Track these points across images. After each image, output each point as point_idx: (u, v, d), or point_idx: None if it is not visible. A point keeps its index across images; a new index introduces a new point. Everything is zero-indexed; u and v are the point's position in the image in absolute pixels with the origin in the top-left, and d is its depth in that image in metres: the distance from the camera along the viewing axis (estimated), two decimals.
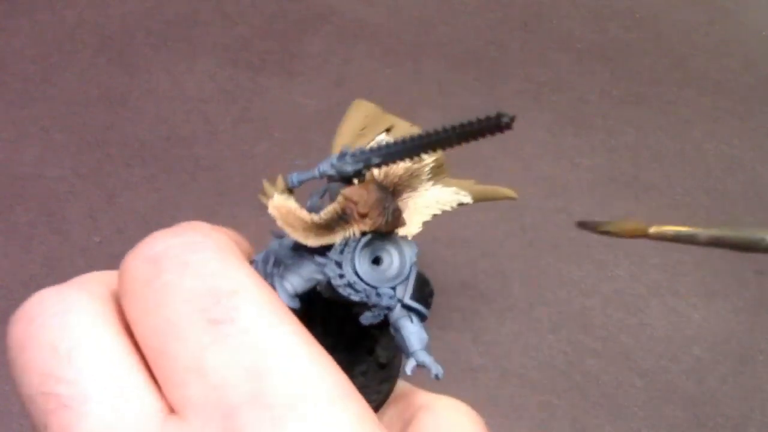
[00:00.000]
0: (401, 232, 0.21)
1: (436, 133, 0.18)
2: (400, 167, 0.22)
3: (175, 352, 0.15)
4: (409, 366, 0.19)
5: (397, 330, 0.19)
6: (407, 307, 0.19)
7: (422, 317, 0.19)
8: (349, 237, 0.19)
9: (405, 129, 0.24)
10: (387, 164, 0.19)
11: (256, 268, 0.20)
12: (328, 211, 0.20)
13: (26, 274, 0.57)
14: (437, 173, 0.24)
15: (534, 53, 0.80)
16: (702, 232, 0.27)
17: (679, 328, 0.59)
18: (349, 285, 0.19)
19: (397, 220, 0.20)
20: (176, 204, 0.63)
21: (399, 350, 0.22)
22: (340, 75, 0.75)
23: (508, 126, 0.17)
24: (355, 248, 0.19)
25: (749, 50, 0.83)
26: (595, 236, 0.64)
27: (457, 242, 0.63)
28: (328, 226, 0.20)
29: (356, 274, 0.19)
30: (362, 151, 0.19)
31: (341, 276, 0.19)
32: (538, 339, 0.57)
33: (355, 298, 0.19)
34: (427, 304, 0.20)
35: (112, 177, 0.65)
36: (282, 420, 0.14)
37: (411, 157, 0.19)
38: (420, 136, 0.18)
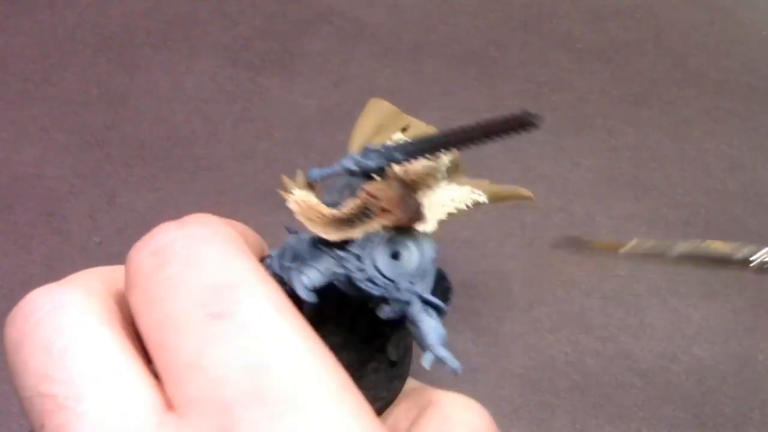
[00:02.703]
0: (420, 228, 0.21)
1: (461, 130, 0.18)
2: (420, 165, 0.22)
3: (175, 347, 0.15)
4: (427, 360, 0.19)
5: (415, 324, 0.19)
6: (426, 302, 0.19)
7: (441, 312, 0.19)
8: (371, 232, 0.19)
9: (421, 129, 0.24)
10: (409, 161, 0.19)
11: (271, 264, 0.20)
12: (350, 206, 0.20)
13: (26, 274, 0.57)
14: (453, 173, 0.24)
15: (534, 53, 0.80)
16: (671, 248, 0.27)
17: (679, 328, 0.59)
18: (369, 279, 0.19)
19: (417, 215, 0.20)
20: (176, 204, 0.63)
21: (410, 349, 0.21)
22: (340, 75, 0.75)
23: (533, 125, 0.17)
24: (376, 243, 0.19)
25: (749, 50, 0.83)
26: (595, 236, 0.64)
27: (457, 242, 0.63)
28: (349, 221, 0.20)
29: (376, 268, 0.19)
30: (386, 148, 0.19)
31: (361, 270, 0.19)
32: (538, 339, 0.57)
33: (375, 292, 0.19)
34: (445, 299, 0.20)
35: (112, 177, 0.65)
36: (278, 416, 0.14)
37: (433, 155, 0.19)
38: (443, 134, 0.18)
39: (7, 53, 0.75)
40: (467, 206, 0.23)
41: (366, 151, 0.19)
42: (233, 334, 0.15)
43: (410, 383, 0.22)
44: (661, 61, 0.81)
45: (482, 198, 0.24)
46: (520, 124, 0.17)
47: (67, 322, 0.16)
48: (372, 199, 0.19)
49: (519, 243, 0.63)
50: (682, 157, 0.71)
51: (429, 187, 0.22)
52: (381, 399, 0.20)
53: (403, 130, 0.24)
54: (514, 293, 0.60)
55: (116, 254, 0.60)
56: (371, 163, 0.19)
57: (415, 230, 0.20)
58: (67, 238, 0.61)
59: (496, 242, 0.63)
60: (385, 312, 0.19)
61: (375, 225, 0.19)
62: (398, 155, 0.19)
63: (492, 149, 0.75)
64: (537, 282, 0.61)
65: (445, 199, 0.22)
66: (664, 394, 0.55)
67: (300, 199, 0.21)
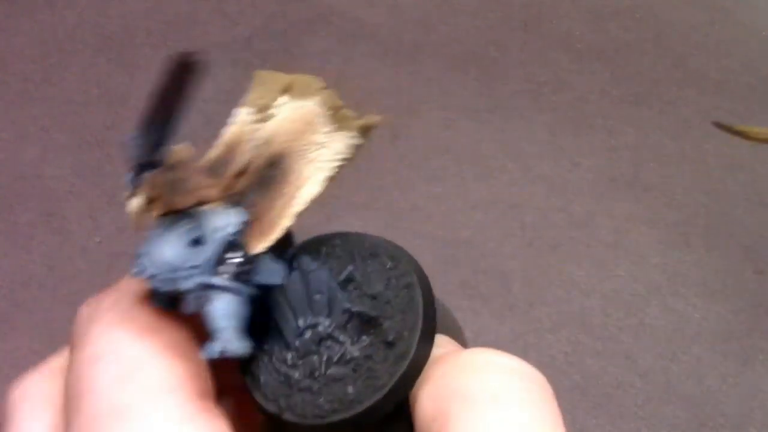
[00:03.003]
0: (305, 195, 0.19)
1: (155, 101, 0.17)
2: (243, 136, 0.20)
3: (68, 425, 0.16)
4: (203, 352, 0.16)
5: (202, 312, 0.16)
6: (209, 286, 0.16)
7: (240, 294, 0.17)
8: (155, 223, 0.18)
9: (306, 83, 0.22)
10: (164, 137, 0.17)
11: None
12: (137, 203, 0.18)
13: (26, 274, 0.57)
14: (342, 121, 0.21)
15: (534, 53, 0.80)
16: None
17: (679, 328, 0.59)
18: (152, 276, 0.17)
19: (188, 194, 0.18)
20: None
21: (418, 322, 0.19)
22: (340, 75, 0.75)
23: (197, 64, 0.16)
24: (158, 235, 0.18)
25: (749, 50, 0.83)
26: (595, 236, 0.64)
27: (457, 242, 0.63)
28: (141, 221, 0.18)
29: (161, 262, 0.17)
30: (137, 134, 0.17)
31: (143, 270, 0.17)
32: (538, 339, 0.57)
33: (164, 288, 0.17)
34: (240, 277, 0.17)
35: (112, 177, 0.65)
36: None
37: (164, 122, 0.17)
38: (149, 110, 0.17)
39: (7, 53, 0.75)
40: (350, 153, 0.21)
41: (127, 142, 0.18)
42: (81, 413, 0.15)
43: (441, 348, 0.19)
44: (661, 61, 0.81)
45: (355, 139, 0.21)
46: (187, 70, 0.16)
47: (19, 412, 0.17)
48: (144, 190, 0.18)
49: (519, 243, 0.63)
50: (682, 157, 0.71)
51: (321, 145, 0.20)
52: (383, 386, 0.17)
53: (286, 91, 0.22)
54: (514, 293, 0.60)
55: (116, 254, 0.60)
56: (139, 150, 0.18)
57: (203, 210, 0.18)
58: (67, 238, 0.61)
59: (496, 242, 0.63)
60: (186, 308, 0.17)
61: (152, 216, 0.18)
62: (148, 137, 0.17)
63: (492, 149, 0.75)
64: (537, 282, 0.61)
65: (331, 154, 0.20)
66: (664, 394, 0.55)
67: (133, 207, 0.19)
